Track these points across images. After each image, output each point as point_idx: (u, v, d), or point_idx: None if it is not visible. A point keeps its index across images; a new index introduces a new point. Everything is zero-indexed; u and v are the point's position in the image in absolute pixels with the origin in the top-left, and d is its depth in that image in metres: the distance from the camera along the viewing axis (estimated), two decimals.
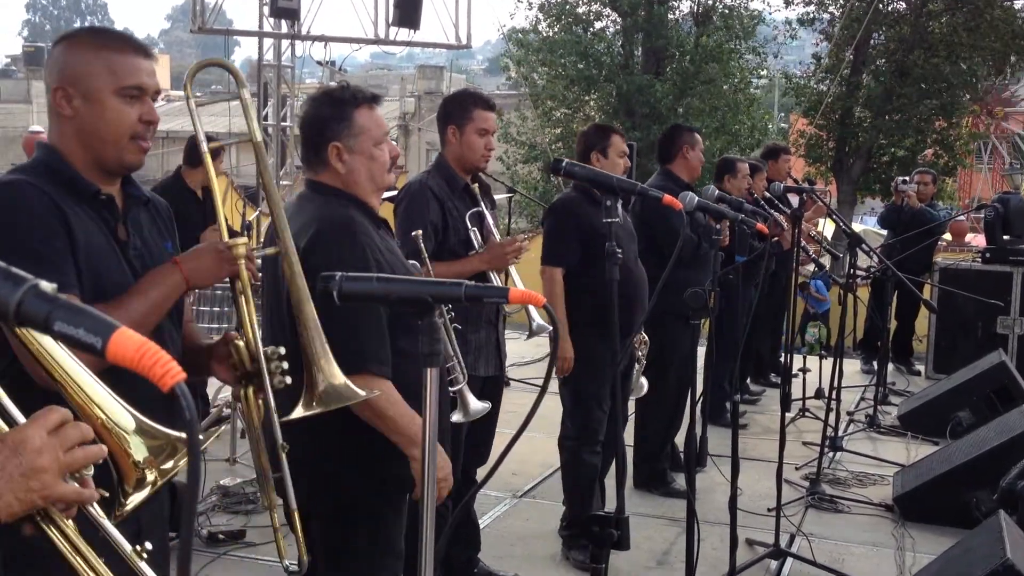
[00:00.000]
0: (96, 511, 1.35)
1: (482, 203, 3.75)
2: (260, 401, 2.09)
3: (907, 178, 9.15)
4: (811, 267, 7.64)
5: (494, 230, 3.76)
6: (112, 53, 1.98)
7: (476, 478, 3.99)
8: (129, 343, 0.92)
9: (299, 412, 2.09)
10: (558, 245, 4.39)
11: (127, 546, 1.36)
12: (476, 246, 3.65)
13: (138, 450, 1.33)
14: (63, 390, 1.36)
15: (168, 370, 0.91)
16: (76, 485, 1.30)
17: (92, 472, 1.33)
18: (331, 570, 2.68)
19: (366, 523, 2.61)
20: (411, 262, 2.93)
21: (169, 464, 1.36)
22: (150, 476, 1.33)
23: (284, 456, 2.10)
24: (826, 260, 7.96)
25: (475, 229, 3.66)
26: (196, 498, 1.18)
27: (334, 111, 2.59)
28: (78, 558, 1.32)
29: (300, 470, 2.56)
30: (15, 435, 1.26)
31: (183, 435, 1.31)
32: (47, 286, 0.96)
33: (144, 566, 1.37)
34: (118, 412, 1.32)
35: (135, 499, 1.40)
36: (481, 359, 3.72)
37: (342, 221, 2.53)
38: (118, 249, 2.00)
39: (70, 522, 1.33)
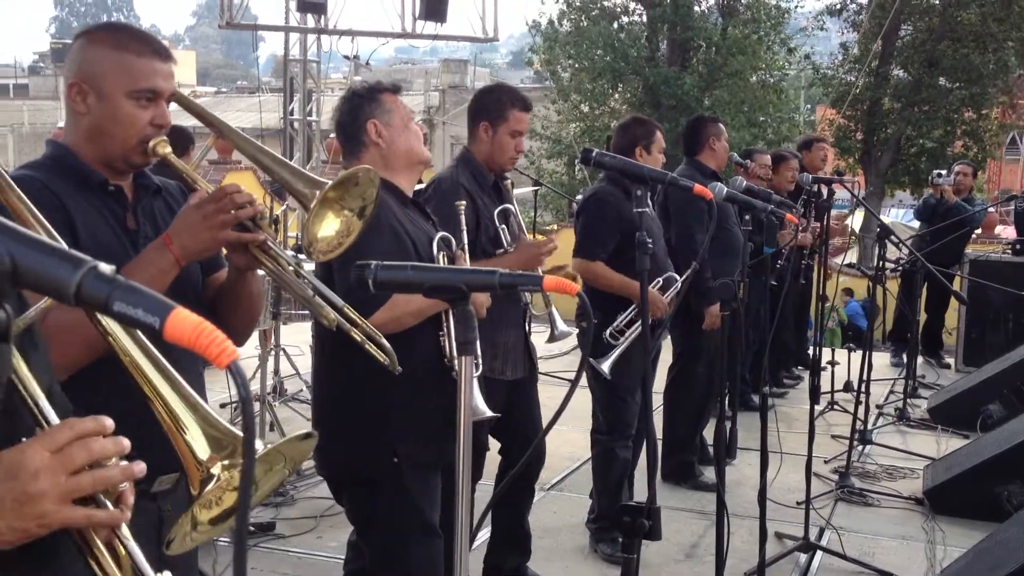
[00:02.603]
0: (124, 532, 1.23)
1: (514, 200, 3.67)
2: (270, 253, 1.97)
3: (943, 172, 9.01)
4: (839, 259, 7.60)
5: (524, 228, 3.66)
6: (129, 54, 1.95)
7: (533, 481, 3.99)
8: (186, 323, 0.93)
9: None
10: (592, 239, 4.32)
11: (151, 574, 1.26)
12: (504, 243, 3.54)
13: (201, 448, 1.27)
14: (133, 380, 1.29)
15: (224, 349, 0.92)
16: (85, 510, 1.18)
17: (126, 486, 1.22)
18: (361, 537, 2.93)
19: (388, 494, 2.75)
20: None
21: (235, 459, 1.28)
22: (214, 470, 1.26)
23: (303, 272, 2.04)
24: (854, 253, 7.90)
25: (503, 226, 3.56)
26: (251, 479, 1.12)
27: (365, 97, 2.89)
28: None
29: (329, 441, 2.73)
30: (12, 456, 1.15)
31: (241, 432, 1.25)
32: (105, 268, 0.96)
33: None
34: (180, 408, 1.25)
35: (203, 510, 1.32)
36: (509, 362, 3.63)
37: None
38: (127, 239, 1.99)
39: (123, 547, 1.24)
